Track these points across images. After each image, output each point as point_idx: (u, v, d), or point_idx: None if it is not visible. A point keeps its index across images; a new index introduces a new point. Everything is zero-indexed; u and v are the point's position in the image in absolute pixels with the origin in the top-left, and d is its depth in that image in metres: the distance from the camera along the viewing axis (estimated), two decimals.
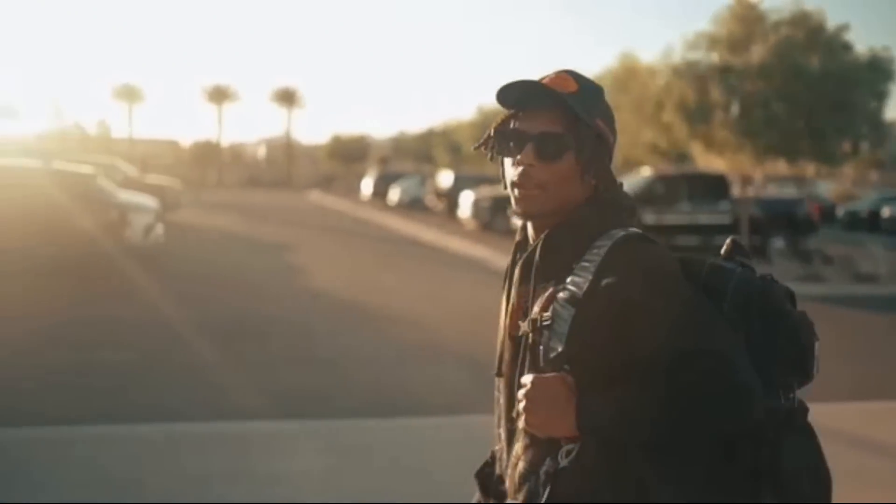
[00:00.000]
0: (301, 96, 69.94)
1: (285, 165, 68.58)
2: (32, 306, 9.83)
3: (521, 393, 1.47)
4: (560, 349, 1.44)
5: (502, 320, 1.62)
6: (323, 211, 33.36)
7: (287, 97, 68.76)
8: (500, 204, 23.20)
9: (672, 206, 16.71)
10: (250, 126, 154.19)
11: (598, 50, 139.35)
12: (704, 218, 16.72)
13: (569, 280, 1.46)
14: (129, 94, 65.68)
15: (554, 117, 1.51)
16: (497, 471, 1.64)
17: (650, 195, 16.77)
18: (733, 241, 1.60)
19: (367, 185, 40.05)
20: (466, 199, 24.31)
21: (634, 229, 1.52)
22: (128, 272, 12.51)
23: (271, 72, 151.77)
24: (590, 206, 1.54)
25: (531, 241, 1.59)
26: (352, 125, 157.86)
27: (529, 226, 1.60)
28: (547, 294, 1.49)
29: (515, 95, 1.54)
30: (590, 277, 1.44)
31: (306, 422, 5.61)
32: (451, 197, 27.75)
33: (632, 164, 24.26)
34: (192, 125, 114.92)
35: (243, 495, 4.24)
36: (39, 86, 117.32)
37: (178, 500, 4.14)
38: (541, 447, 1.48)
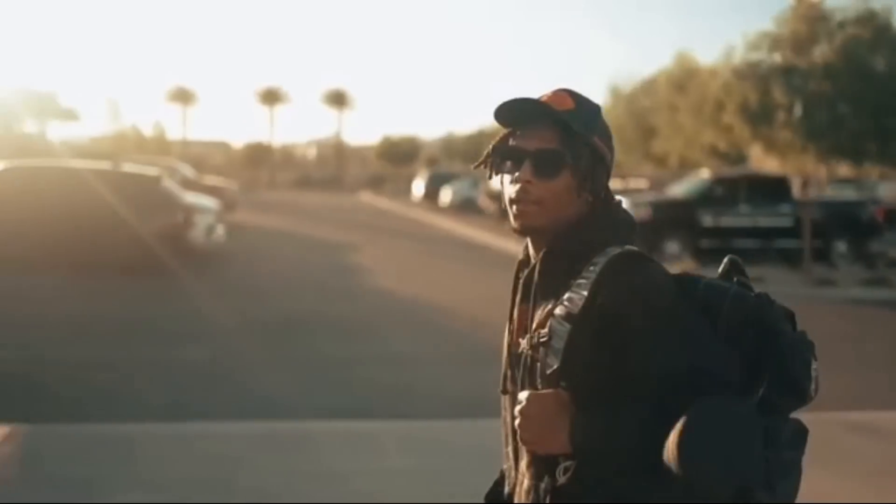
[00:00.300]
0: (351, 97, 70.49)
1: (335, 166, 69.11)
2: (109, 303, 10.08)
3: (516, 409, 1.49)
4: (556, 366, 1.46)
5: (506, 338, 1.64)
6: (375, 211, 33.57)
7: (338, 99, 69.30)
8: None
9: (731, 208, 16.50)
10: (300, 127, 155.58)
11: (653, 51, 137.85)
12: (765, 221, 16.47)
13: (565, 297, 1.48)
14: (183, 97, 66.76)
15: (551, 135, 1.53)
16: (506, 489, 1.66)
17: (709, 197, 16.60)
18: (731, 261, 1.60)
19: (418, 187, 40.14)
20: None
21: (631, 247, 1.51)
22: (193, 271, 12.75)
23: (322, 73, 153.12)
24: (588, 223, 1.55)
25: (532, 258, 1.60)
26: (401, 126, 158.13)
27: (530, 243, 1.61)
28: (546, 311, 1.51)
29: (513, 113, 1.56)
30: (585, 295, 1.45)
31: (397, 422, 5.67)
32: (502, 199, 27.60)
33: (688, 166, 24.03)
34: (242, 126, 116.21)
35: (331, 495, 4.30)
36: (98, 89, 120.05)
37: (270, 499, 4.22)
38: (541, 464, 1.49)
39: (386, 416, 5.82)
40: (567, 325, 1.45)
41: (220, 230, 15.10)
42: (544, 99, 1.55)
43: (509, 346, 1.62)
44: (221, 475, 4.52)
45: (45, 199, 12.43)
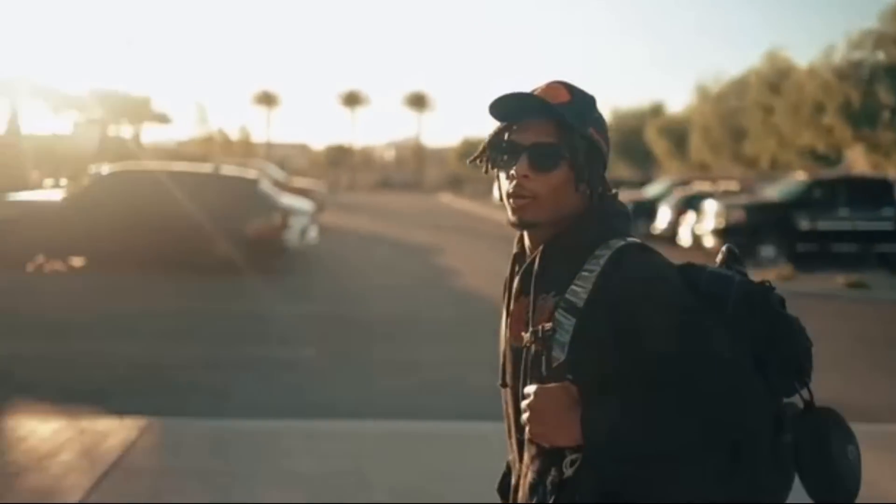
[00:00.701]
0: (431, 100, 70.87)
1: (414, 168, 69.59)
2: (215, 302, 10.38)
3: (524, 403, 1.48)
4: (562, 359, 1.46)
5: (502, 332, 1.64)
6: (456, 213, 33.69)
7: (417, 101, 69.78)
8: (641, 208, 22.83)
9: (830, 211, 16.06)
10: (379, 129, 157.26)
11: (742, 50, 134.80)
12: (865, 224, 15.98)
13: (569, 290, 1.48)
14: (268, 100, 68.11)
15: (547, 128, 1.52)
16: (512, 480, 1.66)
17: (806, 200, 16.20)
18: (729, 250, 1.61)
19: (498, 188, 40.11)
20: None
21: (633, 238, 1.52)
22: (290, 273, 13.02)
23: (402, 76, 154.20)
24: (588, 216, 1.54)
25: (528, 252, 1.60)
26: (479, 127, 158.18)
27: (526, 238, 1.61)
28: (548, 304, 1.50)
29: (507, 108, 1.55)
30: (590, 287, 1.46)
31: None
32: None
33: (779, 168, 23.45)
34: (321, 128, 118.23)
35: (459, 495, 4.35)
36: (188, 93, 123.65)
37: (404, 497, 4.30)
38: (547, 457, 1.49)
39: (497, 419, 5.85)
40: (572, 318, 1.46)
41: (313, 232, 15.38)
42: (539, 92, 1.54)
43: (507, 339, 1.62)
44: (354, 472, 4.62)
45: (148, 200, 12.84)
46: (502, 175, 1.56)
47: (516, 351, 1.57)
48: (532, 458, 1.53)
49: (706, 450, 1.39)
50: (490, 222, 27.92)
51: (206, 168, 14.81)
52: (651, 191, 24.54)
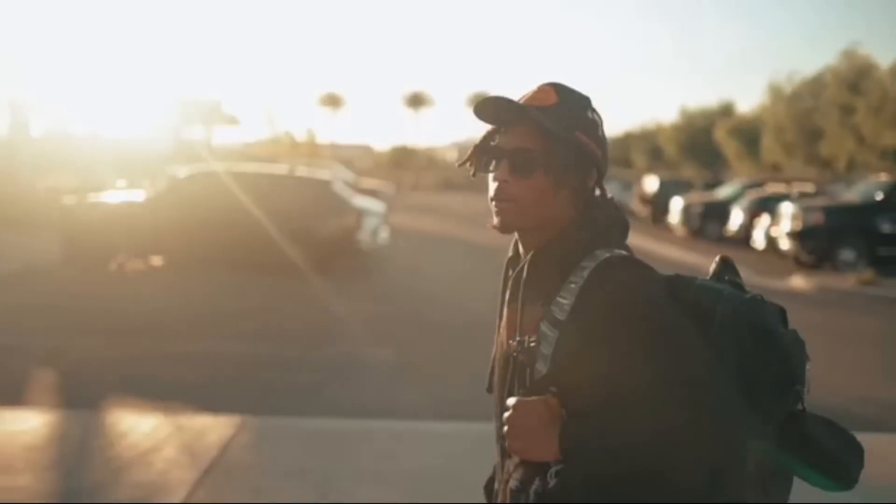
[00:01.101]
0: None
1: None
2: (293, 303, 10.52)
3: (505, 416, 1.46)
4: (545, 372, 1.44)
5: (496, 336, 1.62)
6: None
7: None
8: (713, 210, 22.54)
9: None
10: (440, 129, 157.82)
11: (816, 48, 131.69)
12: None
13: (555, 301, 1.46)
14: (333, 102, 68.85)
15: (528, 133, 1.50)
16: (496, 485, 1.65)
17: (889, 202, 15.74)
18: (722, 260, 1.57)
19: None
20: (676, 205, 23.82)
21: (619, 251, 1.49)
22: (364, 273, 13.12)
23: (465, 77, 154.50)
24: (577, 224, 1.52)
25: (522, 256, 1.59)
26: None
27: (519, 241, 1.60)
28: (536, 314, 1.49)
29: (491, 112, 1.54)
30: (573, 300, 1.44)
31: None
32: (656, 202, 27.24)
33: (857, 169, 22.85)
34: (384, 129, 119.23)
35: None
36: (256, 95, 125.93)
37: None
38: (531, 466, 1.47)
39: None
40: (556, 331, 1.45)
41: (384, 233, 15.49)
42: (527, 95, 1.53)
43: (500, 345, 1.60)
44: (448, 471, 4.63)
45: (225, 202, 13.07)
46: (489, 178, 1.57)
47: (504, 358, 1.57)
48: (516, 466, 1.52)
49: (684, 472, 1.37)
50: None
51: (281, 170, 15.02)
52: (723, 192, 24.17)
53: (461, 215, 30.50)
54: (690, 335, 1.42)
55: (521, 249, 1.61)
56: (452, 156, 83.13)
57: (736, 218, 20.46)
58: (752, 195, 20.97)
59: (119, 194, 15.17)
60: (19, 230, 16.92)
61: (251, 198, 13.22)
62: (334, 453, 4.89)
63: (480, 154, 1.58)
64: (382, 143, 74.03)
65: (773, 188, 21.76)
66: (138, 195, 13.89)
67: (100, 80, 49.77)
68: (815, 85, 25.63)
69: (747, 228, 19.41)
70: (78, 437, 5.08)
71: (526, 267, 1.55)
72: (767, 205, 18.72)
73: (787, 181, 23.34)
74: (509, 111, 1.53)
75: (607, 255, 1.48)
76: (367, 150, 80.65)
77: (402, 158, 69.04)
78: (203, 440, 4.98)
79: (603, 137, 1.57)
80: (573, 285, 1.47)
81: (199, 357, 7.43)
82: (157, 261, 13.45)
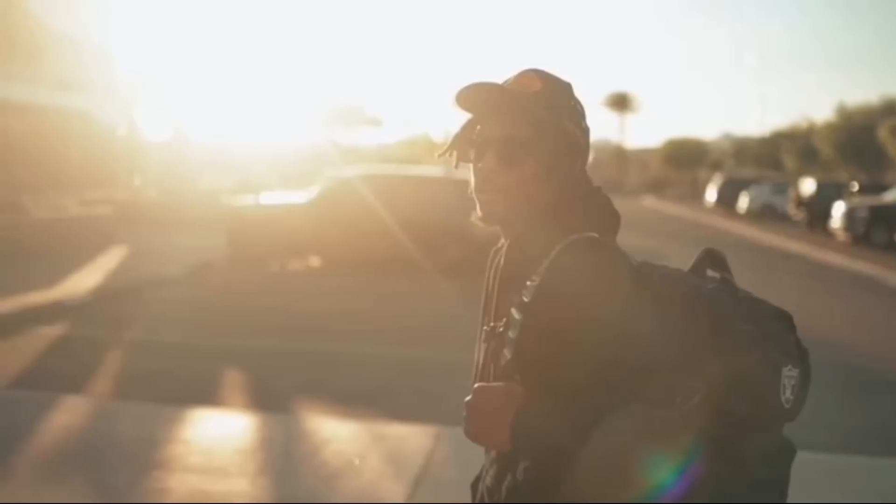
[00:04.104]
0: (634, 100, 69.42)
1: (613, 169, 68.45)
2: (452, 304, 10.49)
3: (465, 400, 1.41)
4: (509, 356, 1.40)
5: (479, 331, 1.55)
6: (665, 217, 32.73)
7: (620, 102, 68.63)
8: (879, 215, 21.31)
9: None
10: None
11: None
12: None
13: (524, 287, 1.40)
14: None
15: (515, 120, 1.44)
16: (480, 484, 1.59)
17: None
18: (706, 252, 1.48)
19: (711, 192, 38.64)
20: (838, 209, 22.60)
21: (590, 234, 1.40)
22: None
23: (603, 77, 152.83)
24: (558, 210, 1.45)
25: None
26: (686, 128, 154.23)
27: (501, 232, 1.53)
28: (510, 301, 1.44)
29: (474, 99, 1.46)
30: (538, 282, 1.38)
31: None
32: (812, 206, 25.99)
33: None
34: None
35: None
36: (395, 97, 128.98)
37: None
38: (504, 462, 1.44)
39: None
40: (520, 315, 1.39)
41: None
42: (510, 82, 1.46)
43: (483, 339, 1.54)
44: None
45: (382, 203, 13.21)
46: (472, 169, 1.50)
47: (486, 350, 1.51)
48: (492, 462, 1.50)
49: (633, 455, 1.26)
50: (705, 227, 26.90)
51: (437, 171, 15.10)
52: (889, 196, 22.79)
53: None
54: (654, 322, 1.32)
55: (503, 240, 1.54)
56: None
57: None
58: None
59: (281, 195, 15.64)
60: (186, 230, 17.69)
61: (407, 199, 13.34)
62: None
63: (463, 144, 1.51)
64: None
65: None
66: (300, 197, 14.25)
67: (251, 85, 51.86)
68: None
69: None
70: (281, 441, 5.14)
71: (504, 256, 1.50)
72: None
73: None
74: (498, 98, 1.45)
75: (575, 237, 1.41)
76: None
77: None
78: (405, 449, 4.94)
79: (587, 125, 1.51)
80: (542, 268, 1.40)
81: (367, 359, 7.45)
82: (316, 261, 13.75)
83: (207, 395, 6.15)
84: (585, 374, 1.33)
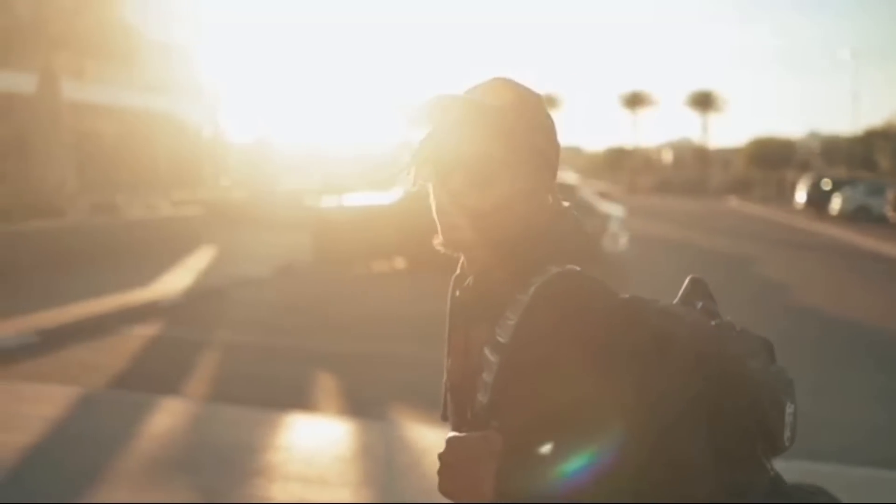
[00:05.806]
0: (718, 99, 67.91)
1: (694, 170, 67.10)
2: None
3: (437, 454, 1.26)
4: (485, 402, 1.25)
5: (446, 362, 1.39)
6: (751, 219, 31.83)
7: (704, 100, 67.25)
8: None
9: None
10: (653, 130, 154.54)
11: None
12: None
13: (499, 323, 1.25)
14: (550, 103, 68.89)
15: (485, 135, 1.26)
16: None
17: None
18: (692, 282, 1.41)
19: (800, 193, 37.43)
20: None
21: (571, 266, 1.26)
22: (611, 277, 12.66)
23: (686, 75, 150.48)
24: (530, 235, 1.29)
25: (468, 275, 1.36)
26: (771, 127, 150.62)
27: (464, 259, 1.35)
28: (481, 337, 1.28)
29: (439, 111, 1.29)
30: (516, 321, 1.24)
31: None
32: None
33: None
34: (593, 131, 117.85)
35: None
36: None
37: None
38: None
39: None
40: (497, 356, 1.24)
41: (624, 237, 15.01)
42: (479, 92, 1.30)
43: (449, 371, 1.38)
44: None
45: None
46: (434, 189, 1.31)
47: (453, 386, 1.37)
48: None
49: None
50: (794, 230, 26.03)
51: None
52: None
53: (685, 218, 29.35)
54: (648, 364, 1.21)
55: (466, 267, 1.37)
56: (668, 156, 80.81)
57: None
58: None
59: (365, 197, 15.65)
60: (272, 231, 17.88)
61: None
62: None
63: (426, 163, 1.30)
64: (591, 146, 73.10)
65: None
66: (384, 198, 14.23)
67: (336, 87, 52.58)
68: None
69: None
70: (381, 450, 5.03)
71: (472, 287, 1.33)
72: None
73: None
74: (467, 110, 1.28)
75: (556, 270, 1.26)
76: (577, 151, 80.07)
77: (617, 160, 67.75)
78: None
79: (558, 142, 1.35)
80: (518, 305, 1.26)
81: None
82: (400, 263, 13.70)
83: (302, 399, 6.09)
84: (563, 418, 1.20)
